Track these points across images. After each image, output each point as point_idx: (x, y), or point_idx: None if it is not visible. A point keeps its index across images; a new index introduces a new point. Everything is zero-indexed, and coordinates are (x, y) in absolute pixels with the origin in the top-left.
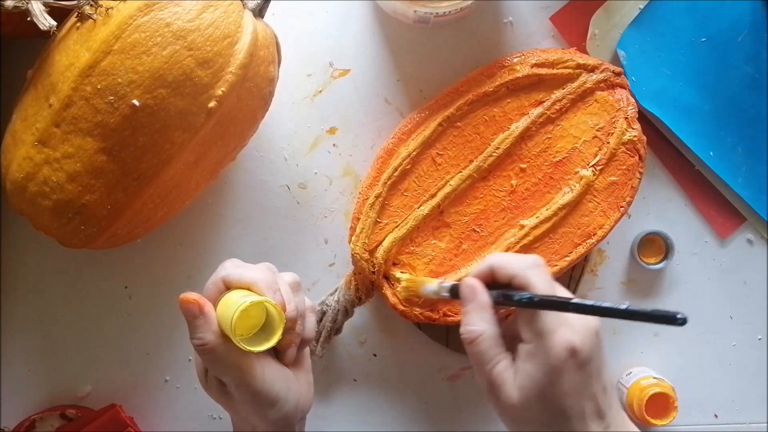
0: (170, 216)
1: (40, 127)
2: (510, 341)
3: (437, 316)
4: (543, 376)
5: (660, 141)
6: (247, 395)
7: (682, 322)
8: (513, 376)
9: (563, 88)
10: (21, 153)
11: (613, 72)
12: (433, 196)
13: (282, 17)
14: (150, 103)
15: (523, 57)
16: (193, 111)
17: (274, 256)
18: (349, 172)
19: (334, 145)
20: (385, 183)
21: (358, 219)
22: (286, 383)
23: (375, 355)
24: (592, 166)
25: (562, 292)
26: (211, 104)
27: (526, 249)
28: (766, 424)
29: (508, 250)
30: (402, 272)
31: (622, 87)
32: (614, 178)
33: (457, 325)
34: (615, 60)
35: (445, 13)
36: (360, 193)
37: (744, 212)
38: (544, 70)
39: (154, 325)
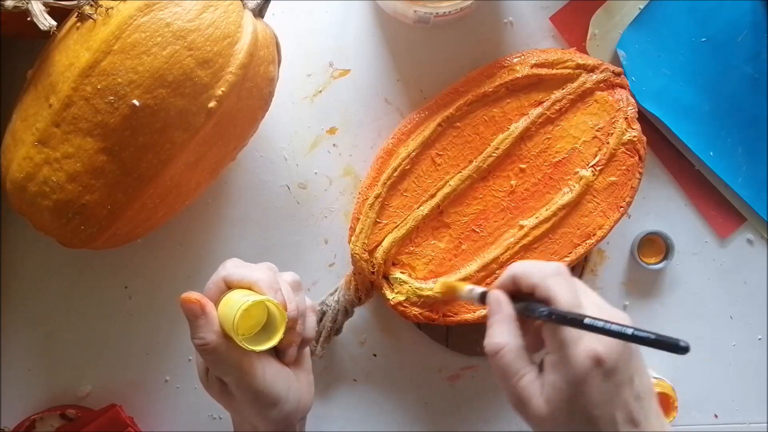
0: (170, 216)
1: (40, 127)
2: (538, 349)
3: (437, 317)
4: (568, 386)
5: (660, 141)
6: (248, 395)
7: (685, 350)
8: (540, 388)
9: (563, 89)
10: (21, 153)
11: (612, 72)
12: (432, 196)
13: (282, 17)
14: (150, 103)
15: (522, 57)
16: (193, 111)
17: (274, 256)
18: (349, 172)
19: (334, 145)
20: (385, 183)
21: (358, 219)
22: (287, 383)
23: (375, 355)
24: (592, 166)
25: (587, 299)
26: (211, 104)
27: (525, 249)
28: (766, 424)
29: (507, 250)
30: (402, 272)
31: (622, 87)
32: (614, 179)
33: (457, 325)
34: (615, 60)
35: (445, 13)
36: (359, 193)
37: (744, 212)
38: (543, 71)
39: (154, 325)
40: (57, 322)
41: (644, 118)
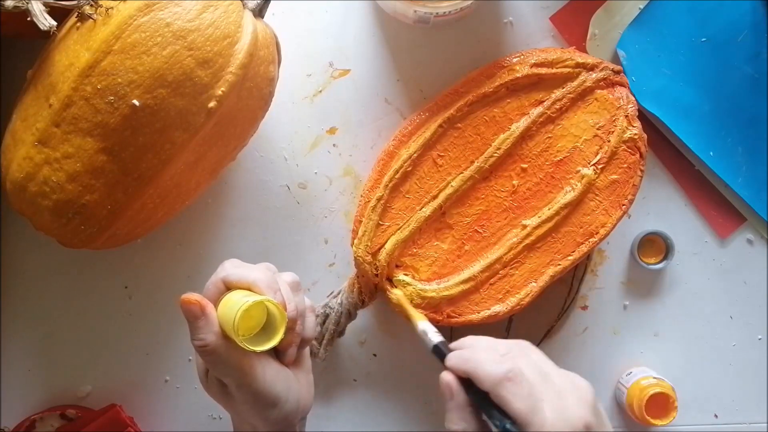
0: (170, 216)
1: (40, 127)
2: None
3: (441, 318)
4: None
5: (660, 141)
6: (248, 396)
7: None
8: None
9: (563, 88)
10: (21, 153)
11: (612, 70)
12: (434, 197)
13: (282, 17)
14: (150, 103)
15: (522, 57)
16: (193, 111)
17: (274, 256)
18: (349, 172)
19: (334, 145)
20: (387, 185)
21: (360, 222)
22: (287, 383)
23: (375, 355)
24: (593, 164)
25: (547, 394)
26: (211, 104)
27: (528, 249)
28: (766, 424)
29: (510, 250)
30: (405, 274)
31: (622, 85)
32: (615, 177)
33: (461, 326)
34: (615, 60)
35: (445, 13)
36: (361, 195)
37: (744, 212)
38: (543, 70)
39: (154, 325)
40: (57, 322)
41: (644, 118)
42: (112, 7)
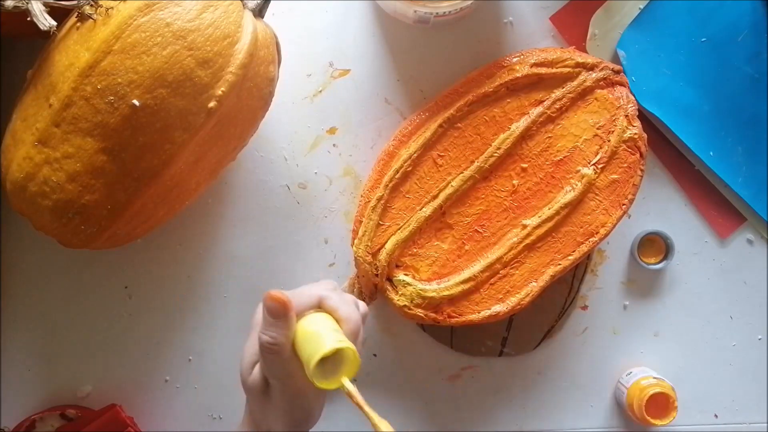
0: (170, 216)
1: (40, 127)
2: None
3: (441, 318)
4: None
5: (660, 141)
6: (288, 405)
7: None
8: None
9: (563, 87)
10: (21, 153)
11: (612, 70)
12: (434, 197)
13: (282, 17)
14: (150, 103)
15: (522, 57)
16: (193, 111)
17: (274, 256)
18: (349, 172)
19: (334, 145)
20: (387, 185)
21: (360, 222)
22: (321, 403)
23: (375, 355)
24: (594, 164)
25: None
26: (211, 104)
27: (528, 249)
28: (766, 424)
29: (510, 250)
30: (405, 274)
31: (622, 85)
32: (616, 176)
33: (461, 326)
34: (615, 60)
35: (445, 13)
36: (362, 195)
37: (744, 212)
38: (543, 70)
39: (154, 325)
40: (57, 322)
41: (644, 118)
42: (112, 7)
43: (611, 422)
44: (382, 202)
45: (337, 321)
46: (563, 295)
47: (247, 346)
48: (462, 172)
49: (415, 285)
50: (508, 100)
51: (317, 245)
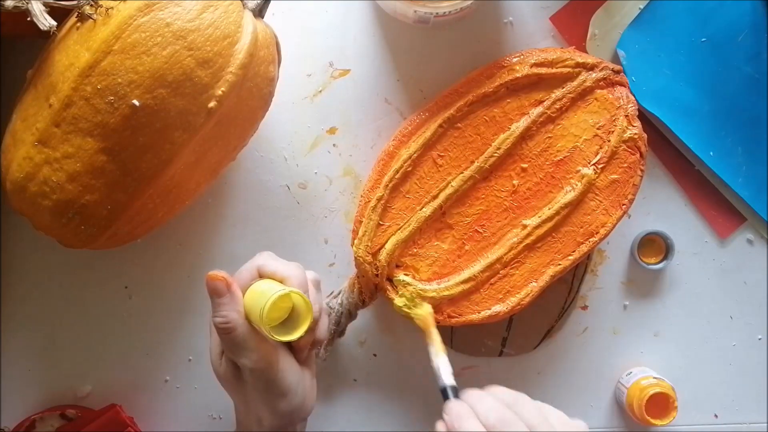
0: (170, 216)
1: (40, 127)
2: None
3: (441, 318)
4: None
5: (660, 141)
6: (261, 382)
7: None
8: None
9: (563, 87)
10: (21, 153)
11: (612, 70)
12: (434, 197)
13: (282, 17)
14: (150, 103)
15: (522, 57)
16: (193, 111)
17: None
18: (349, 172)
19: (334, 145)
20: (387, 185)
21: (360, 222)
22: (298, 377)
23: (375, 355)
24: (594, 164)
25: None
26: (211, 104)
27: (529, 249)
28: (766, 424)
29: (511, 250)
30: (405, 274)
31: (622, 85)
32: (616, 176)
33: (461, 325)
34: (615, 60)
35: (445, 13)
36: (361, 195)
37: (744, 212)
38: (543, 70)
39: (154, 325)
40: (57, 322)
41: (644, 118)
42: (112, 7)
43: (611, 422)
44: (382, 202)
45: (282, 282)
46: (563, 295)
47: (211, 340)
48: (462, 172)
49: (415, 285)
50: (508, 100)
51: (317, 245)
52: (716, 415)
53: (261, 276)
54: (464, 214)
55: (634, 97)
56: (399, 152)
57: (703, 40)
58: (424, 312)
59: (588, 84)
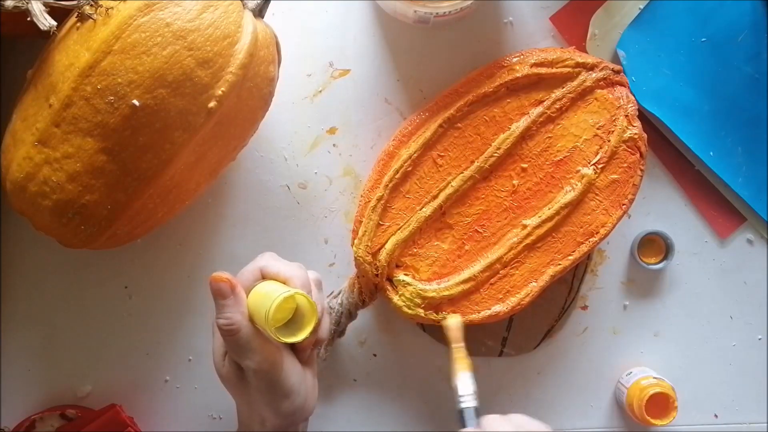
0: (170, 216)
1: (40, 127)
2: None
3: (442, 317)
4: None
5: (660, 141)
6: (264, 383)
7: None
8: None
9: (563, 87)
10: (21, 153)
11: (612, 70)
12: (434, 197)
13: (282, 17)
14: (150, 103)
15: (522, 57)
16: (193, 111)
17: None
18: (349, 172)
19: (334, 145)
20: (387, 185)
21: (360, 222)
22: (300, 377)
23: (375, 355)
24: (594, 164)
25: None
26: (211, 104)
27: (529, 249)
28: (766, 424)
29: (510, 250)
30: (405, 274)
31: (622, 85)
32: (616, 176)
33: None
34: (615, 60)
35: (445, 13)
36: (361, 195)
37: (744, 212)
38: (543, 70)
39: (154, 325)
40: (57, 322)
41: (644, 118)
42: (112, 7)
43: (611, 422)
44: (382, 202)
45: (285, 283)
46: (563, 295)
47: (214, 342)
48: (462, 172)
49: (415, 285)
50: (508, 100)
51: (317, 245)
52: (716, 415)
53: (264, 277)
54: (464, 214)
55: (634, 97)
56: (399, 152)
57: (703, 40)
58: (453, 324)
59: (588, 84)
